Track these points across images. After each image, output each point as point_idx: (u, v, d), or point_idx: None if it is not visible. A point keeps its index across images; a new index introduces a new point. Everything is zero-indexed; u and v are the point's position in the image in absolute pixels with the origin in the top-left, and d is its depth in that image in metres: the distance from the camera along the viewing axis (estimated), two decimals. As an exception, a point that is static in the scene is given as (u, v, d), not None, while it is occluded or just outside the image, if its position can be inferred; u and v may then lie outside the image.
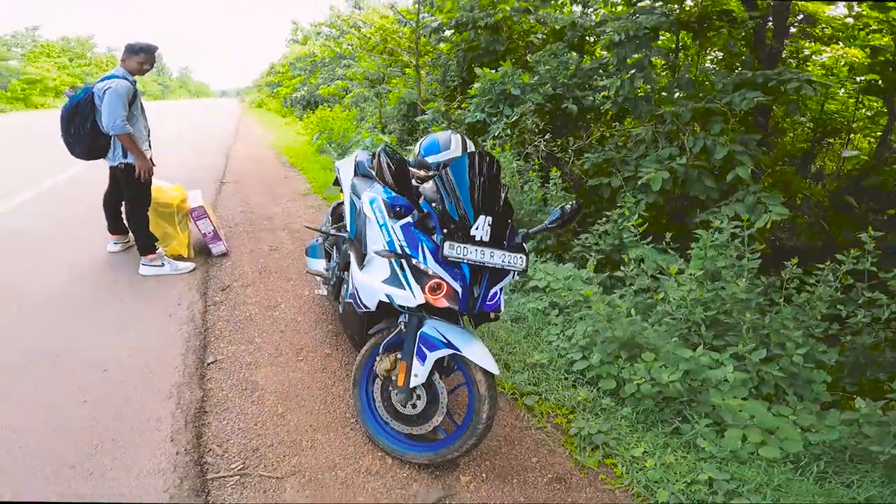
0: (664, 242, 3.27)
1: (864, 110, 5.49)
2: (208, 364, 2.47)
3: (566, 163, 5.05)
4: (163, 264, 3.49)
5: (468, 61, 6.77)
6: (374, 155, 1.95)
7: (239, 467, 1.84)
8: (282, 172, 7.41)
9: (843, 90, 5.37)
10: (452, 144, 2.17)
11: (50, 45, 36.04)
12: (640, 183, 3.94)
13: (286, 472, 1.84)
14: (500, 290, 1.84)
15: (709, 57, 5.78)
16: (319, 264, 2.89)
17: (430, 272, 1.75)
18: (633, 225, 3.51)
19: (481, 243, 1.74)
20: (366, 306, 1.99)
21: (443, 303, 1.73)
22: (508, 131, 5.46)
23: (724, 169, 3.78)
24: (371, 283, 1.93)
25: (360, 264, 2.09)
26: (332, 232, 2.74)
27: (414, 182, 2.11)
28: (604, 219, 3.90)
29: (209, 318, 2.93)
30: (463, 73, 6.98)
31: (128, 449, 1.85)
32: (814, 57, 5.47)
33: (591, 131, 5.46)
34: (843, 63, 5.37)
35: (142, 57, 3.30)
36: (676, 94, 4.74)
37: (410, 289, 1.78)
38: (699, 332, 2.81)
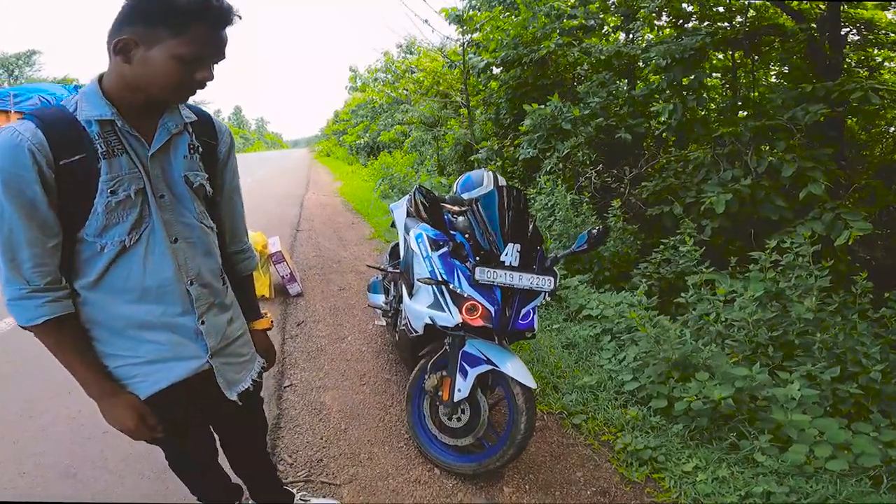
0: (730, 267, 3.17)
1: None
2: (284, 387, 2.79)
3: (622, 193, 4.95)
4: None
5: (517, 98, 6.71)
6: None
7: (304, 475, 2.07)
8: (348, 219, 8.05)
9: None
10: (485, 181, 2.39)
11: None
12: (703, 208, 3.81)
13: (344, 480, 2.04)
14: (533, 310, 1.98)
15: (773, 72, 5.46)
16: (379, 299, 3.17)
17: (466, 295, 1.94)
18: (689, 251, 3.46)
19: (511, 268, 1.91)
20: (415, 330, 2.20)
21: (478, 322, 1.91)
22: (560, 165, 5.48)
23: (795, 187, 3.58)
24: (418, 308, 2.14)
25: (410, 293, 2.31)
26: (390, 269, 3.02)
27: (451, 216, 2.34)
28: (661, 247, 3.83)
29: (286, 349, 3.29)
30: (514, 110, 6.87)
31: (217, 456, 2.17)
32: (886, 64, 4.98)
33: (648, 159, 5.25)
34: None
35: None
36: (738, 114, 4.54)
37: (449, 311, 1.98)
38: (766, 353, 2.70)
